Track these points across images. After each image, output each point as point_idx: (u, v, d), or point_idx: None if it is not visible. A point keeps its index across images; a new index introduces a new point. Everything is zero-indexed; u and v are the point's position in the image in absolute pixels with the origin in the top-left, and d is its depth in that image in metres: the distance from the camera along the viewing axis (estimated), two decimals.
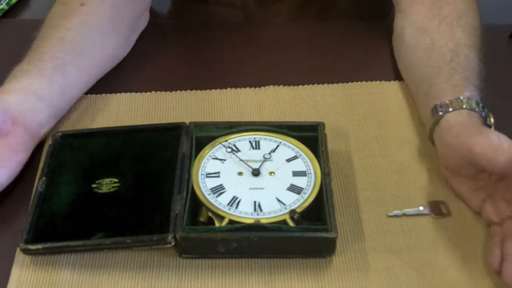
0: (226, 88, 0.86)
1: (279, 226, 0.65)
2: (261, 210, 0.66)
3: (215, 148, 0.73)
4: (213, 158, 0.72)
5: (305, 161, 0.71)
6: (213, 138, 0.74)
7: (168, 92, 0.85)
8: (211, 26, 0.99)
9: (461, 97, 0.71)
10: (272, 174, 0.70)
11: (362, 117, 0.82)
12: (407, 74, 0.83)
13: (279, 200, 0.67)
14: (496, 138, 0.65)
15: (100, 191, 0.70)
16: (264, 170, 0.70)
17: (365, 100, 0.84)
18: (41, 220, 0.67)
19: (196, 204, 0.68)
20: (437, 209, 0.70)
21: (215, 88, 0.86)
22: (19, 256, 0.67)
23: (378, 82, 0.87)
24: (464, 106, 0.71)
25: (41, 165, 0.74)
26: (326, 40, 0.95)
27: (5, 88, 0.76)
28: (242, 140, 0.74)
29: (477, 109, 0.71)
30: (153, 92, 0.85)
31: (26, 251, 0.65)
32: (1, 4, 1.02)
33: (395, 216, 0.70)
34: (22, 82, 0.76)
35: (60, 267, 0.66)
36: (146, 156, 0.74)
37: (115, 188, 0.70)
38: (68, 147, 0.75)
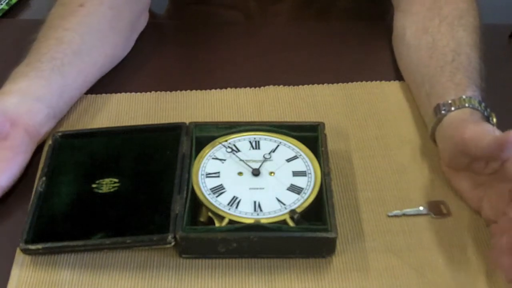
0: (226, 88, 0.86)
1: (279, 226, 0.65)
2: (261, 210, 0.66)
3: (215, 148, 0.73)
4: (213, 158, 0.72)
5: (305, 161, 0.71)
6: (213, 138, 0.74)
7: (168, 92, 0.85)
8: (211, 26, 0.99)
9: (464, 96, 0.72)
10: (272, 174, 0.70)
11: (362, 117, 0.82)
12: (408, 73, 0.83)
13: (279, 200, 0.67)
14: (490, 128, 0.65)
15: (100, 191, 0.70)
16: (264, 170, 0.70)
17: (365, 100, 0.84)
18: (41, 220, 0.67)
19: (196, 204, 0.68)
20: (437, 209, 0.70)
21: (215, 88, 0.86)
22: (19, 256, 0.67)
23: (378, 82, 0.87)
24: (467, 105, 0.71)
25: (41, 165, 0.74)
26: (326, 40, 0.95)
27: (3, 90, 0.76)
28: (242, 140, 0.74)
29: (479, 108, 0.71)
30: (153, 92, 0.85)
31: (26, 251, 0.65)
32: (1, 4, 1.02)
33: (395, 216, 0.70)
34: (20, 84, 0.76)
35: (60, 267, 0.66)
36: (146, 156, 0.74)
37: (115, 188, 0.70)
38: (68, 147, 0.75)
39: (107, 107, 0.83)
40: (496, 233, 0.66)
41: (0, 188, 0.71)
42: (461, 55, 0.77)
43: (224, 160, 0.72)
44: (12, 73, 0.77)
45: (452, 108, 0.71)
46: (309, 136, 0.74)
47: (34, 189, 0.71)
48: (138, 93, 0.85)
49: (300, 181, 0.69)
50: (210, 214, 0.67)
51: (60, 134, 0.76)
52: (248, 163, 0.71)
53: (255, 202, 0.67)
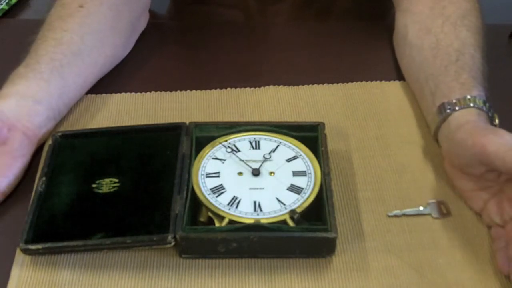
0: (226, 88, 0.86)
1: (279, 226, 0.65)
2: (261, 210, 0.66)
3: (215, 148, 0.73)
4: (213, 158, 0.72)
5: (305, 161, 0.71)
6: (213, 138, 0.74)
7: (168, 92, 0.85)
8: (211, 27, 0.99)
9: (469, 96, 0.72)
10: (272, 174, 0.70)
11: (362, 117, 0.82)
12: (410, 73, 0.83)
13: (279, 200, 0.67)
14: (509, 138, 0.65)
15: (100, 191, 0.70)
16: (264, 170, 0.70)
17: (365, 100, 0.84)
18: (41, 220, 0.67)
19: (196, 204, 0.68)
20: (437, 209, 0.70)
21: (215, 88, 0.86)
22: (19, 256, 0.67)
23: (378, 82, 0.87)
24: (472, 105, 0.71)
25: (41, 165, 0.74)
26: (326, 40, 0.95)
27: (1, 93, 0.75)
28: (242, 140, 0.74)
29: (484, 108, 0.71)
30: (153, 92, 0.85)
31: (26, 251, 0.65)
32: (1, 4, 1.02)
33: (395, 216, 0.70)
34: (18, 86, 0.76)
35: (60, 267, 0.66)
36: (146, 156, 0.74)
37: (115, 188, 0.70)
38: (68, 147, 0.75)
39: (107, 107, 0.83)
40: (499, 238, 0.66)
41: (1, 193, 0.71)
42: (465, 55, 0.77)
43: (224, 160, 0.72)
44: (11, 75, 0.77)
45: (457, 108, 0.71)
46: (309, 136, 0.74)
47: (34, 189, 0.71)
48: (138, 93, 0.85)
49: (300, 181, 0.69)
50: (210, 214, 0.67)
51: (60, 134, 0.76)
52: (248, 163, 0.71)
53: (255, 202, 0.67)
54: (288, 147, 0.73)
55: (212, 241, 0.65)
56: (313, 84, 0.86)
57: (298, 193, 0.68)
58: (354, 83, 0.86)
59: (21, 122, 0.74)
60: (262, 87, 0.86)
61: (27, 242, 0.65)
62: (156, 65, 0.90)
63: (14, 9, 1.04)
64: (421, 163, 0.76)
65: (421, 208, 0.71)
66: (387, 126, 0.80)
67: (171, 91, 0.85)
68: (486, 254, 0.67)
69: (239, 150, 0.72)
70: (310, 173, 0.70)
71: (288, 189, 0.68)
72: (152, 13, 0.97)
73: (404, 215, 0.70)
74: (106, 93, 0.85)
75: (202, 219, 0.68)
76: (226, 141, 0.73)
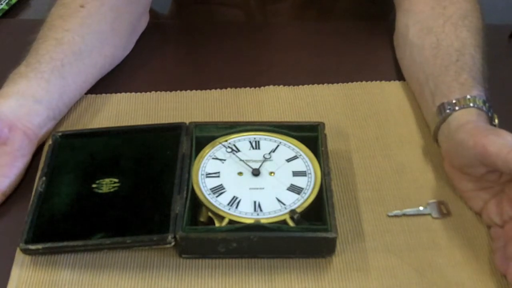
0: (226, 88, 0.86)
1: (279, 226, 0.65)
2: (261, 210, 0.66)
3: (215, 148, 0.73)
4: (213, 158, 0.72)
5: (305, 161, 0.71)
6: (213, 138, 0.74)
7: (168, 92, 0.85)
8: (212, 26, 0.99)
9: (469, 96, 0.72)
10: (272, 174, 0.70)
11: (362, 117, 0.82)
12: (411, 72, 0.83)
13: (279, 200, 0.67)
14: (511, 138, 0.64)
15: (100, 191, 0.70)
16: (264, 170, 0.70)
17: (365, 100, 0.84)
18: (41, 220, 0.67)
19: (196, 204, 0.68)
20: (437, 209, 0.70)
21: (215, 88, 0.86)
22: (19, 256, 0.67)
23: (378, 82, 0.87)
24: (472, 105, 0.71)
25: (41, 165, 0.74)
26: (326, 40, 0.95)
27: (2, 93, 0.75)
28: (242, 140, 0.74)
29: (484, 108, 0.71)
30: (153, 92, 0.85)
31: (26, 251, 0.65)
32: (1, 4, 1.02)
33: (395, 216, 0.70)
34: (19, 86, 0.76)
35: (60, 267, 0.66)
36: (146, 156, 0.74)
37: (115, 188, 0.70)
38: (68, 147, 0.75)
39: (107, 107, 0.83)
40: (499, 237, 0.66)
41: (2, 193, 0.71)
42: (465, 55, 0.77)
43: (224, 160, 0.72)
44: (11, 74, 0.77)
45: (457, 108, 0.71)
46: (309, 136, 0.74)
47: (34, 189, 0.71)
48: (138, 93, 0.85)
49: (300, 181, 0.69)
50: (210, 214, 0.67)
51: (60, 134, 0.76)
52: (248, 163, 0.71)
53: (255, 202, 0.67)
54: (288, 147, 0.73)
55: (212, 241, 0.65)
56: (313, 84, 0.86)
57: (298, 193, 0.68)
58: (354, 83, 0.86)
59: (21, 121, 0.74)
60: (262, 87, 0.86)
61: (27, 242, 0.65)
62: (156, 65, 0.90)
63: (14, 9, 1.04)
64: (421, 163, 0.76)
65: (421, 208, 0.71)
66: (387, 126, 0.80)
67: (171, 91, 0.85)
68: (486, 254, 0.67)
69: (239, 150, 0.72)
70: (310, 173, 0.70)
71: (288, 189, 0.68)
72: (153, 13, 0.97)
73: (404, 215, 0.70)
74: (106, 93, 0.85)
75: (202, 219, 0.68)
76: (226, 141, 0.73)
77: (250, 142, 0.73)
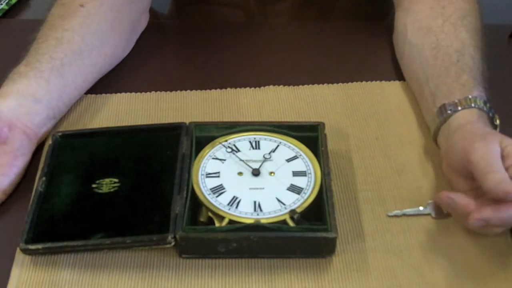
0: (226, 88, 0.86)
1: (279, 226, 0.65)
2: (261, 210, 0.66)
3: (215, 148, 0.73)
4: (213, 158, 0.72)
5: (305, 161, 0.71)
6: (213, 138, 0.74)
7: (168, 92, 0.85)
8: (212, 26, 0.99)
9: (470, 96, 0.72)
10: (272, 174, 0.70)
11: (362, 117, 0.82)
12: (410, 73, 0.83)
13: (279, 200, 0.67)
14: (496, 149, 0.65)
15: (100, 191, 0.70)
16: (264, 170, 0.70)
17: (365, 100, 0.84)
18: (41, 220, 0.67)
19: (196, 204, 0.68)
20: (437, 209, 0.70)
21: (215, 88, 0.86)
22: (19, 256, 0.67)
23: (378, 82, 0.87)
24: (473, 105, 0.71)
25: (41, 165, 0.74)
26: (326, 40, 0.95)
27: (1, 92, 0.75)
28: (242, 140, 0.74)
29: (485, 109, 0.71)
30: (153, 92, 0.85)
31: (26, 251, 0.65)
32: (1, 4, 1.02)
33: (395, 216, 0.70)
34: (19, 85, 0.76)
35: (60, 267, 0.66)
36: (146, 156, 0.74)
37: (115, 188, 0.70)
38: (68, 147, 0.75)
39: (107, 107, 0.83)
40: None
41: (2, 192, 0.71)
42: (465, 55, 0.77)
43: (224, 160, 0.72)
44: (11, 73, 0.77)
45: (459, 108, 0.71)
46: (309, 136, 0.74)
47: (34, 189, 0.71)
48: (138, 93, 0.85)
49: (300, 181, 0.69)
50: (210, 214, 0.67)
51: (60, 134, 0.76)
52: (248, 163, 0.71)
53: (255, 202, 0.67)
54: (288, 147, 0.73)
55: (212, 241, 0.65)
56: (313, 84, 0.86)
57: (298, 193, 0.68)
58: (354, 83, 0.86)
59: (21, 121, 0.74)
60: (262, 87, 0.86)
61: (27, 242, 0.65)
62: (156, 65, 0.90)
63: (14, 9, 1.04)
64: (421, 163, 0.76)
65: (421, 208, 0.71)
66: (387, 126, 0.80)
67: (171, 91, 0.86)
68: (486, 254, 0.67)
69: (239, 150, 0.72)
70: (310, 173, 0.70)
71: (288, 189, 0.68)
72: (152, 13, 0.97)
73: (404, 215, 0.70)
74: (106, 93, 0.85)
75: (202, 219, 0.68)
76: (226, 141, 0.73)
77: (250, 142, 0.73)
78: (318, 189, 0.68)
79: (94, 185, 0.70)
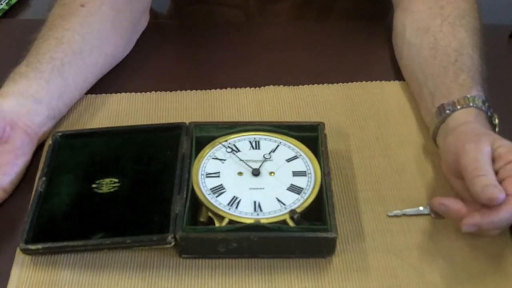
0: (226, 88, 0.86)
1: (279, 226, 0.65)
2: (261, 210, 0.66)
3: (215, 148, 0.73)
4: (213, 158, 0.72)
5: (305, 161, 0.71)
6: (213, 138, 0.74)
7: (168, 92, 0.85)
8: (211, 26, 0.99)
9: (468, 96, 0.72)
10: (272, 174, 0.70)
11: (362, 117, 0.82)
12: (409, 72, 0.83)
13: (279, 200, 0.67)
14: (487, 151, 0.65)
15: (100, 191, 0.70)
16: (264, 170, 0.70)
17: (365, 100, 0.84)
18: (41, 220, 0.67)
19: (196, 204, 0.68)
20: None
21: (215, 88, 0.86)
22: (19, 256, 0.67)
23: (378, 82, 0.87)
24: (471, 104, 0.71)
25: (41, 165, 0.74)
26: (326, 40, 0.95)
27: (2, 92, 0.76)
28: (242, 140, 0.74)
29: (483, 108, 0.71)
30: (153, 92, 0.85)
31: (26, 251, 0.65)
32: (1, 4, 1.02)
33: (395, 216, 0.70)
34: (19, 86, 0.76)
35: (60, 267, 0.66)
36: (146, 156, 0.74)
37: (115, 188, 0.70)
38: (68, 147, 0.75)
39: (107, 107, 0.83)
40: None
41: (3, 190, 0.71)
42: (463, 55, 0.77)
43: (224, 160, 0.72)
44: (12, 74, 0.77)
45: (458, 107, 0.71)
46: (309, 136, 0.74)
47: (34, 189, 0.71)
48: (138, 93, 0.85)
49: (300, 181, 0.69)
50: (210, 214, 0.67)
51: (60, 134, 0.76)
52: (248, 163, 0.71)
53: (255, 202, 0.67)
54: (288, 147, 0.73)
55: (212, 241, 0.65)
56: (313, 84, 0.86)
57: (298, 193, 0.68)
58: (354, 83, 0.86)
59: (22, 120, 0.74)
60: (262, 87, 0.86)
61: (27, 242, 0.65)
62: (156, 65, 0.90)
63: (14, 9, 1.04)
64: (421, 163, 0.76)
65: (421, 208, 0.71)
66: (387, 126, 0.80)
67: (171, 91, 0.86)
68: (486, 254, 0.67)
69: (239, 150, 0.72)
70: (310, 173, 0.70)
71: (288, 189, 0.68)
72: (152, 13, 0.97)
73: (404, 215, 0.70)
74: (106, 93, 0.85)
75: (202, 219, 0.68)
76: (226, 141, 0.73)
77: (250, 142, 0.73)
78: (318, 189, 0.68)
79: (94, 185, 0.70)
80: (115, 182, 0.71)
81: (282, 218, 0.66)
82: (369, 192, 0.73)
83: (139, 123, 0.80)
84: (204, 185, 0.69)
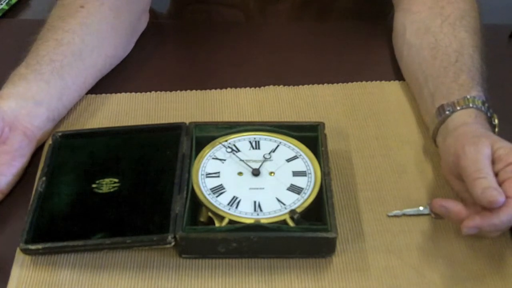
0: (226, 88, 0.86)
1: (279, 226, 0.65)
2: (261, 210, 0.66)
3: (215, 148, 0.73)
4: (213, 158, 0.72)
5: (305, 161, 0.71)
6: (213, 138, 0.74)
7: (168, 92, 0.85)
8: (211, 26, 0.99)
9: (468, 96, 0.72)
10: (272, 174, 0.70)
11: (362, 117, 0.82)
12: (410, 73, 0.83)
13: (279, 200, 0.67)
14: (487, 152, 0.65)
15: (100, 191, 0.70)
16: (264, 170, 0.70)
17: (365, 100, 0.84)
18: (41, 220, 0.67)
19: (196, 204, 0.68)
20: None
21: (215, 88, 0.86)
22: (19, 256, 0.67)
23: (378, 82, 0.87)
24: (471, 105, 0.71)
25: (41, 165, 0.74)
26: (326, 40, 0.95)
27: (2, 94, 0.76)
28: (242, 140, 0.74)
29: (483, 109, 0.71)
30: (153, 92, 0.85)
31: (26, 251, 0.65)
32: (1, 4, 1.02)
33: (395, 216, 0.70)
34: (19, 88, 0.76)
35: (60, 267, 0.66)
36: (146, 156, 0.74)
37: (115, 188, 0.70)
38: (68, 147, 0.75)
39: (107, 107, 0.83)
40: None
41: (0, 192, 0.71)
42: (464, 56, 0.77)
43: (224, 160, 0.72)
44: (11, 75, 0.77)
45: (458, 108, 0.71)
46: (309, 136, 0.74)
47: (34, 189, 0.71)
48: (138, 93, 0.85)
49: (300, 181, 0.69)
50: (210, 214, 0.67)
51: (60, 134, 0.76)
52: (248, 163, 0.71)
53: (255, 202, 0.67)
54: (288, 147, 0.73)
55: (212, 241, 0.65)
56: (313, 84, 0.86)
57: (298, 193, 0.68)
58: (354, 83, 0.86)
59: (22, 122, 0.74)
60: (262, 87, 0.86)
61: (27, 242, 0.65)
62: (156, 65, 0.90)
63: (14, 9, 1.04)
64: (421, 163, 0.76)
65: (421, 208, 0.71)
66: (387, 126, 0.80)
67: (171, 91, 0.86)
68: (486, 254, 0.67)
69: (239, 150, 0.72)
70: (310, 173, 0.70)
71: (288, 189, 0.68)
72: (152, 13, 0.97)
73: (404, 215, 0.70)
74: (106, 93, 0.85)
75: (202, 219, 0.68)
76: (226, 141, 0.73)
77: (250, 142, 0.73)
78: (318, 189, 0.68)
79: (94, 185, 0.70)
80: (115, 182, 0.71)
81: (282, 218, 0.66)
82: (369, 192, 0.73)
83: (139, 123, 0.80)
84: (204, 185, 0.69)
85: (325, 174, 0.69)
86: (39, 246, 0.65)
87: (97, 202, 0.69)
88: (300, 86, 0.86)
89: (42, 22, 0.83)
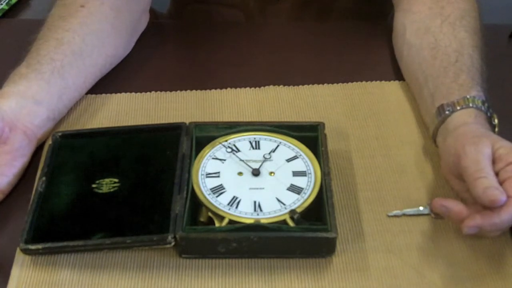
0: (226, 88, 0.86)
1: (279, 226, 0.65)
2: (261, 210, 0.66)
3: (215, 148, 0.73)
4: (213, 158, 0.72)
5: (305, 161, 0.71)
6: (213, 138, 0.74)
7: (168, 92, 0.85)
8: (211, 26, 0.99)
9: (468, 96, 0.72)
10: (272, 174, 0.70)
11: (362, 117, 0.82)
12: (410, 73, 0.83)
13: (279, 200, 0.67)
14: (487, 152, 0.65)
15: (100, 191, 0.70)
16: (264, 170, 0.70)
17: (365, 100, 0.84)
18: (41, 220, 0.67)
19: (196, 204, 0.68)
20: None
21: (215, 88, 0.86)
22: (19, 256, 0.67)
23: (378, 82, 0.87)
24: (471, 105, 0.71)
25: (41, 165, 0.74)
26: (326, 40, 0.95)
27: (2, 93, 0.76)
28: (242, 140, 0.74)
29: (483, 108, 0.71)
30: (153, 92, 0.85)
31: (26, 251, 0.65)
32: (1, 4, 1.02)
33: (395, 216, 0.70)
34: (19, 87, 0.76)
35: (60, 267, 0.66)
36: (146, 156, 0.74)
37: (115, 188, 0.70)
38: (68, 147, 0.75)
39: (107, 107, 0.83)
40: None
41: (1, 192, 0.71)
42: (464, 55, 0.77)
43: (224, 160, 0.72)
44: (11, 74, 0.77)
45: (458, 108, 0.71)
46: (309, 136, 0.74)
47: (34, 189, 0.71)
48: (138, 93, 0.85)
49: (300, 181, 0.69)
50: (210, 214, 0.67)
51: (60, 134, 0.76)
52: (248, 163, 0.71)
53: (255, 202, 0.67)
54: (288, 147, 0.73)
55: (212, 241, 0.65)
56: (313, 84, 0.86)
57: (298, 193, 0.68)
58: (354, 83, 0.86)
59: (22, 122, 0.74)
60: (262, 87, 0.86)
61: (27, 242, 0.65)
62: (156, 65, 0.90)
63: (14, 9, 1.04)
64: (421, 163, 0.76)
65: (421, 208, 0.71)
66: (387, 126, 0.80)
67: (171, 91, 0.85)
68: (486, 254, 0.67)
69: (239, 150, 0.72)
70: (310, 173, 0.70)
71: (288, 189, 0.68)
72: (152, 13, 0.97)
73: (404, 215, 0.70)
74: (106, 93, 0.85)
75: (202, 219, 0.68)
76: (226, 141, 0.73)
77: (250, 142, 0.73)
78: (318, 189, 0.68)
79: (94, 185, 0.70)
80: (115, 182, 0.71)
81: (282, 218, 0.66)
82: (369, 192, 0.73)
83: (139, 123, 0.80)
84: (204, 185, 0.69)
85: (325, 174, 0.69)
86: (39, 246, 0.65)
87: (97, 202, 0.69)
88: (300, 86, 0.86)
89: (42, 22, 0.83)
